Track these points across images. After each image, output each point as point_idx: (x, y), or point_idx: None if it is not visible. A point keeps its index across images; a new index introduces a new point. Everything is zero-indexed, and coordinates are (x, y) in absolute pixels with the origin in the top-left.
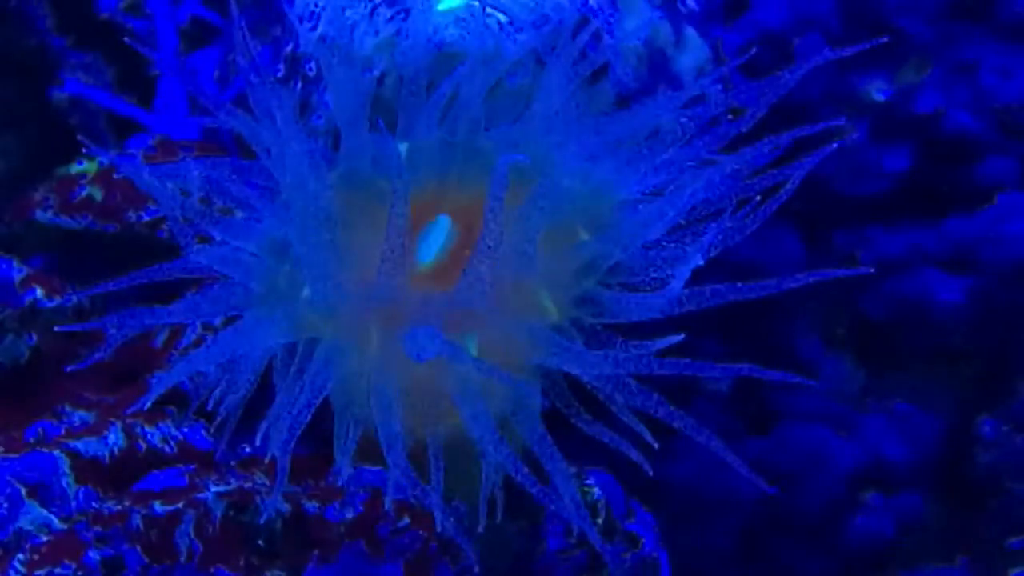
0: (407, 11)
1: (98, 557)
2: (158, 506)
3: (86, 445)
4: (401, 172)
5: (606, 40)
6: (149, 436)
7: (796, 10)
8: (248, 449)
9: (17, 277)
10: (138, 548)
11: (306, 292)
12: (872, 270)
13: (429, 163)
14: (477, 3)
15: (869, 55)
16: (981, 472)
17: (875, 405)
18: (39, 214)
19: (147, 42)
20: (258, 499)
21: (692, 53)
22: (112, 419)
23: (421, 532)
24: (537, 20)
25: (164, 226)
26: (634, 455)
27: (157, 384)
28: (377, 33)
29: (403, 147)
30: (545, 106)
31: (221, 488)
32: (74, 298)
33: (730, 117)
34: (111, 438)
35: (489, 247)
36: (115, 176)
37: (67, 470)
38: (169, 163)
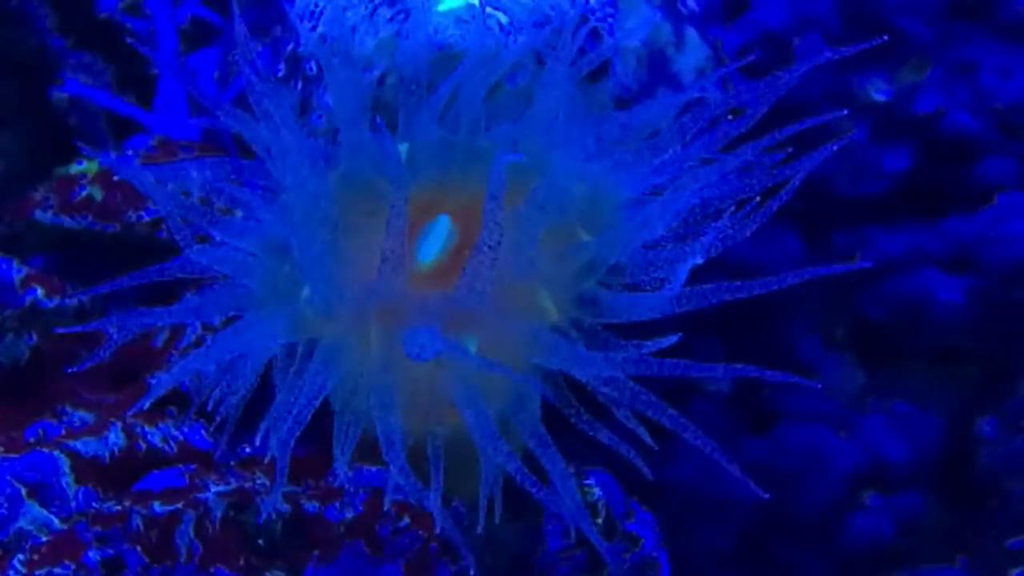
0: (407, 11)
1: (98, 557)
2: (158, 506)
3: (86, 445)
4: (401, 172)
5: (606, 40)
6: (149, 436)
7: (796, 10)
8: (248, 449)
9: (17, 277)
10: (138, 548)
11: (306, 292)
12: (869, 264)
13: (429, 163)
14: (477, 4)
15: (869, 55)
16: (981, 472)
17: (875, 405)
18: (39, 214)
19: (147, 42)
20: (258, 499)
21: (692, 53)
22: (112, 419)
23: (421, 532)
24: (537, 20)
25: (164, 226)
26: (634, 457)
27: (157, 385)
28: (377, 33)
29: (403, 147)
30: (545, 106)
31: (221, 488)
32: (74, 298)
33: (730, 117)
34: (111, 438)
35: (489, 247)
36: (115, 176)
37: (67, 470)
38: (169, 163)
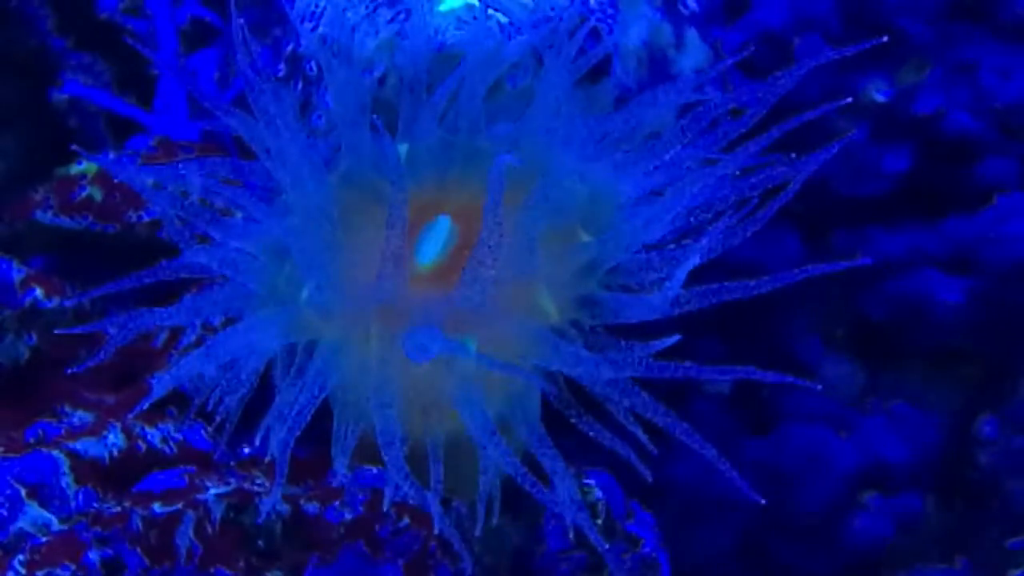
0: (408, 12)
1: (98, 558)
2: (158, 507)
3: (86, 446)
4: (400, 173)
5: (606, 41)
6: (149, 437)
7: (796, 11)
8: (248, 450)
9: (17, 277)
10: (138, 549)
11: (306, 293)
12: (869, 260)
13: (429, 163)
14: (478, 4)
15: (869, 55)
16: (981, 473)
17: (875, 405)
18: (39, 214)
19: (147, 43)
20: (258, 500)
21: (693, 54)
22: (112, 420)
23: (421, 533)
24: (537, 21)
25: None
26: (634, 460)
27: (157, 386)
28: (378, 34)
29: (403, 148)
30: (545, 106)
31: (221, 489)
32: (74, 300)
33: (730, 118)
34: (111, 439)
35: (488, 248)
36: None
37: (67, 471)
38: (168, 164)
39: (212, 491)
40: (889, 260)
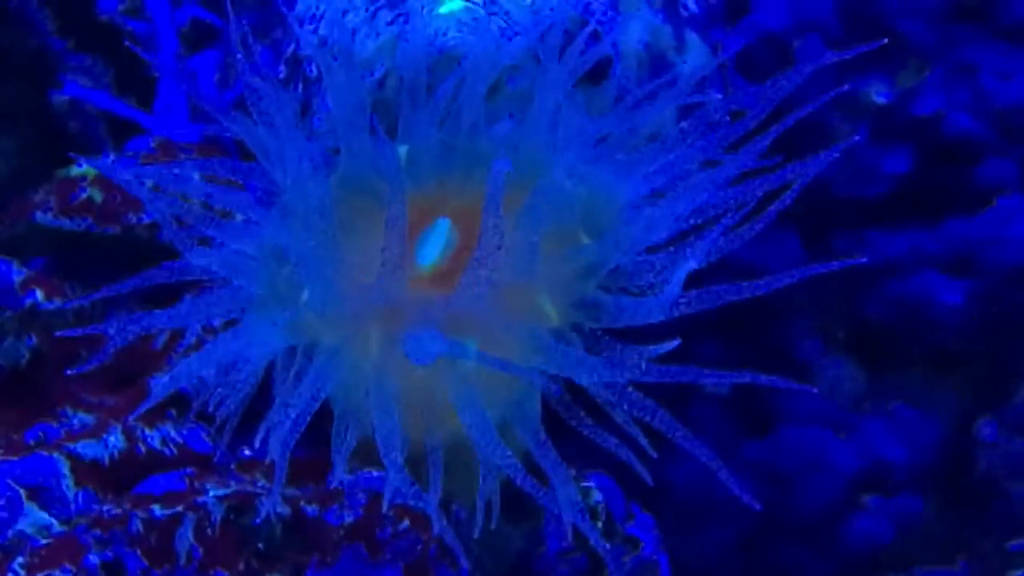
0: (408, 14)
1: (98, 560)
2: (158, 509)
3: (86, 447)
4: (399, 176)
5: (606, 43)
6: (149, 438)
7: (796, 13)
8: (248, 451)
9: (17, 279)
10: (138, 551)
11: (306, 295)
12: (865, 260)
13: (429, 166)
14: (479, 6)
15: (869, 57)
16: (981, 474)
17: (875, 407)
18: (39, 216)
19: (147, 44)
20: (258, 502)
21: (693, 56)
22: (112, 421)
23: (421, 535)
24: (538, 23)
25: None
26: (634, 462)
27: (157, 389)
28: (378, 36)
29: (403, 150)
30: (544, 108)
31: (221, 491)
32: (74, 302)
33: (731, 120)
34: (111, 440)
35: (488, 251)
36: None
37: (67, 472)
38: (168, 165)
39: (212, 493)
40: (889, 262)
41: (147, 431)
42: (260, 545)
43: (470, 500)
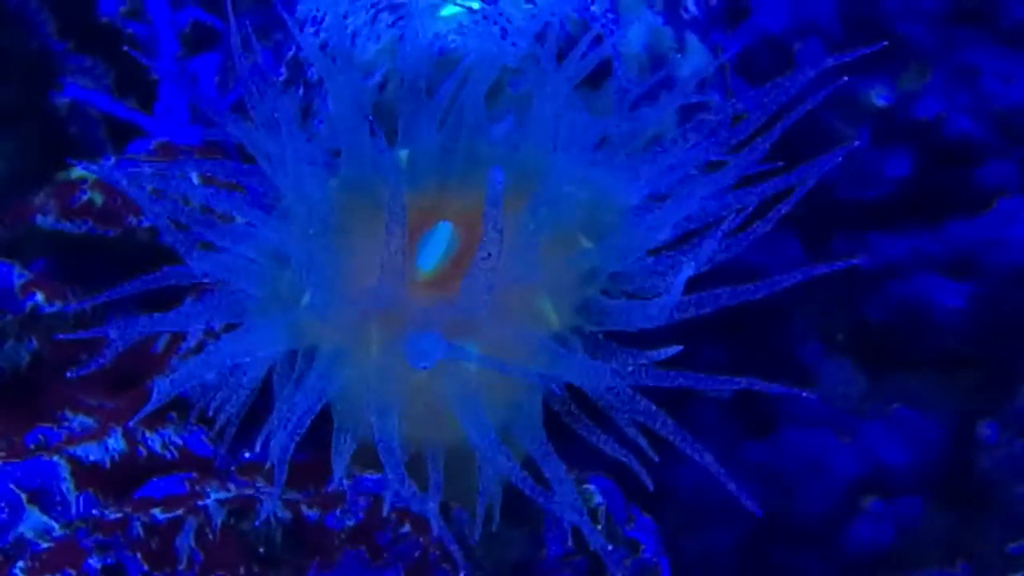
0: (409, 17)
1: (99, 565)
2: (159, 513)
3: (86, 451)
4: (398, 179)
5: (607, 45)
6: (149, 442)
7: (797, 15)
8: (248, 455)
9: (18, 282)
10: (138, 556)
11: (307, 299)
12: (863, 260)
13: (430, 168)
14: (479, 9)
15: (870, 60)
16: (982, 477)
17: (876, 410)
18: (39, 219)
19: (147, 47)
20: (259, 506)
21: (694, 59)
22: (112, 424)
23: (421, 539)
24: (538, 26)
25: None
26: (635, 466)
27: (158, 393)
28: (379, 39)
29: (404, 153)
30: (545, 111)
31: (222, 495)
32: (75, 305)
33: (732, 124)
34: (111, 444)
35: (489, 255)
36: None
37: (67, 476)
38: (169, 167)
39: (213, 497)
40: (890, 264)
41: (148, 434)
42: (261, 549)
43: (471, 504)
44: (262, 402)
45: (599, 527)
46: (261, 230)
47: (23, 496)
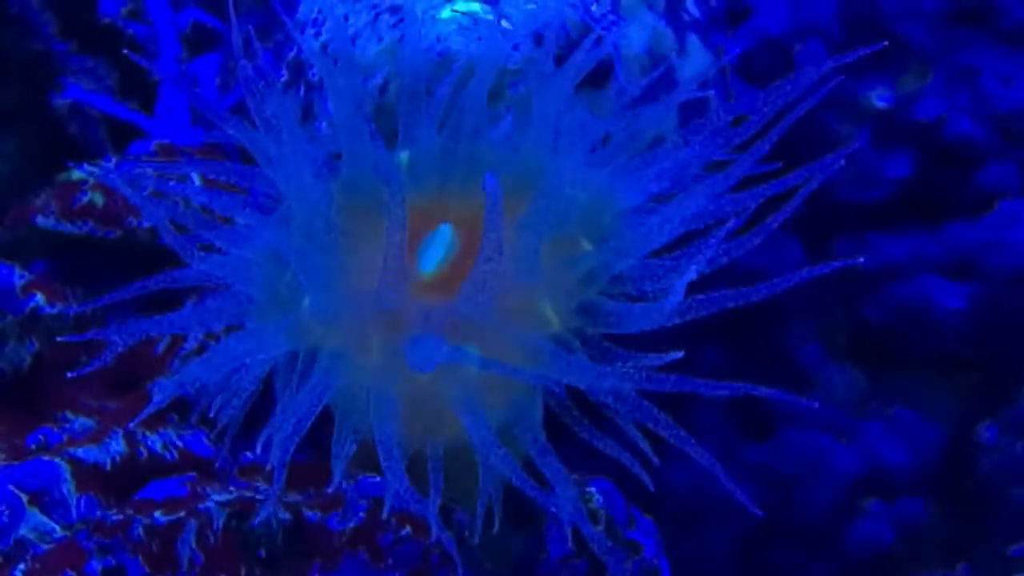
0: (410, 18)
1: (99, 567)
2: (159, 515)
3: (87, 452)
4: (399, 182)
5: (608, 47)
6: (150, 443)
7: (798, 17)
8: (250, 456)
9: (19, 283)
10: (140, 558)
11: (307, 301)
12: (862, 260)
13: (431, 171)
14: (480, 10)
15: (871, 61)
16: (982, 479)
17: (876, 411)
18: (40, 219)
19: (148, 48)
20: (259, 508)
21: (695, 60)
22: (113, 426)
23: (423, 542)
24: (539, 28)
25: None
26: (636, 470)
27: (159, 395)
28: (380, 40)
29: (405, 155)
30: (545, 113)
31: (223, 497)
32: (76, 308)
33: (732, 127)
34: (112, 445)
35: (490, 259)
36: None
37: (68, 477)
38: (170, 169)
39: (214, 499)
40: (890, 266)
41: (148, 436)
42: (262, 551)
43: (472, 506)
44: (263, 403)
45: (600, 529)
46: (262, 232)
47: (24, 498)
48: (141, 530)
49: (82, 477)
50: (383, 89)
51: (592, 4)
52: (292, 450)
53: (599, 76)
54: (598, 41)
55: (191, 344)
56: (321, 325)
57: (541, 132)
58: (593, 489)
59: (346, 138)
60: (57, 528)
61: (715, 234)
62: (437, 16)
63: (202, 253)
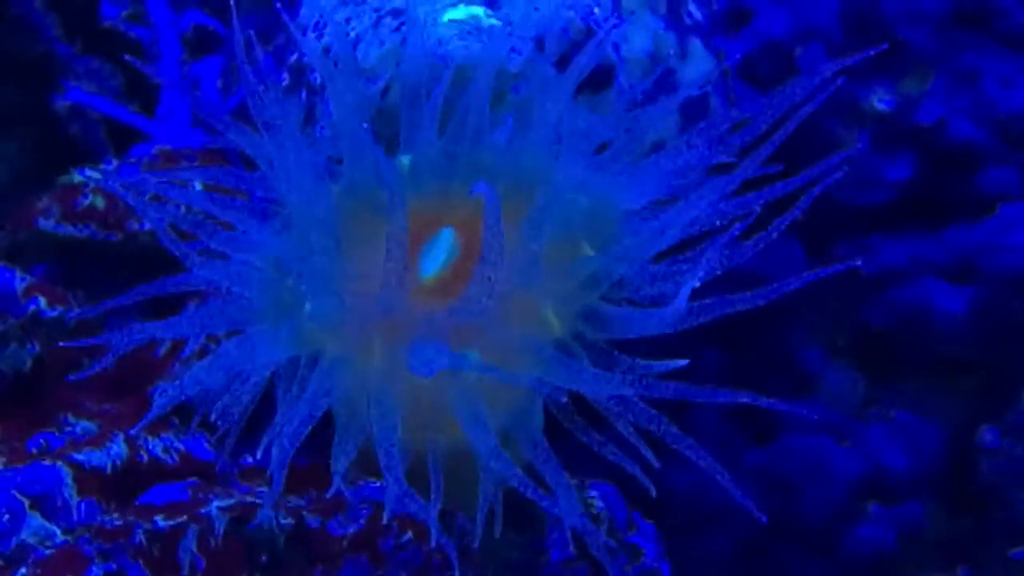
0: (412, 22)
1: (101, 572)
2: (161, 520)
3: (88, 456)
4: (400, 187)
5: (610, 51)
6: (151, 447)
7: (799, 20)
8: (251, 460)
9: (20, 286)
10: (141, 563)
11: (309, 306)
12: (860, 262)
13: (432, 175)
14: (482, 14)
15: (872, 64)
16: (983, 482)
17: (877, 414)
18: (42, 222)
19: (150, 51)
20: (259, 511)
21: (697, 64)
22: (115, 430)
23: (424, 546)
24: (541, 32)
25: None
26: (637, 472)
27: (161, 400)
28: (382, 44)
29: (406, 159)
30: (547, 117)
31: (224, 502)
32: (77, 312)
33: (734, 131)
34: (113, 449)
35: (491, 263)
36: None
37: (70, 482)
38: (171, 173)
39: (215, 503)
40: (891, 269)
41: (150, 439)
42: (263, 556)
43: (472, 510)
44: (265, 408)
45: (601, 533)
46: (263, 237)
47: (25, 502)
48: (142, 535)
49: (83, 481)
50: (385, 93)
51: (594, 7)
52: (291, 454)
53: (601, 80)
54: (600, 44)
55: (192, 347)
56: (322, 330)
57: (542, 136)
58: (594, 493)
59: (347, 142)
60: (58, 532)
61: (717, 240)
62: (439, 20)
63: (203, 258)
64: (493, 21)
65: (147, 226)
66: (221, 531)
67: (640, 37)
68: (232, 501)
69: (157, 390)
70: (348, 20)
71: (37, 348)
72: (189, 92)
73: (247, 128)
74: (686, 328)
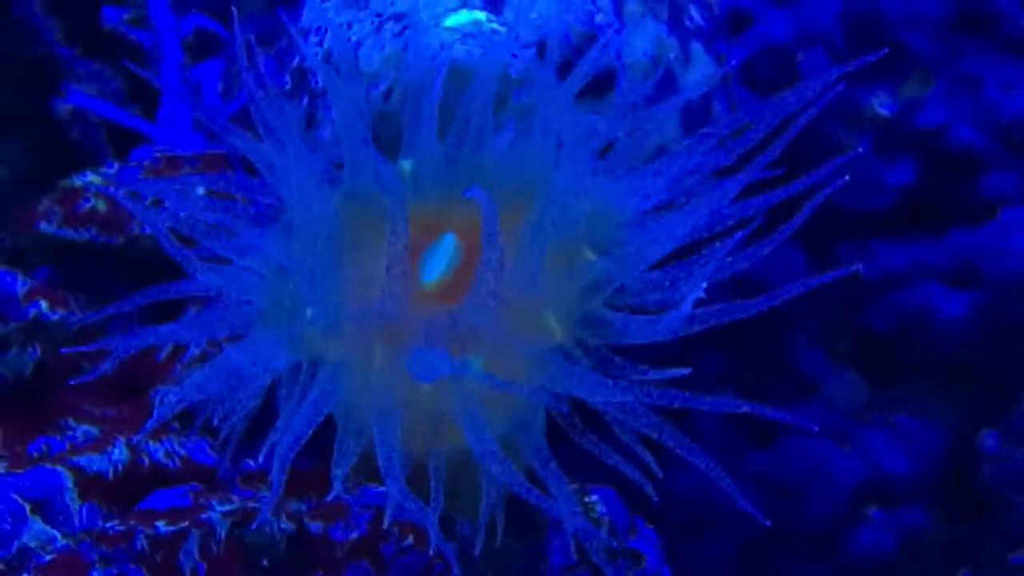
0: (414, 26)
1: None
2: (162, 525)
3: (90, 461)
4: (400, 193)
5: (612, 55)
6: (153, 451)
7: (801, 25)
8: (252, 464)
9: (21, 290)
10: (142, 568)
11: (310, 311)
12: (861, 266)
13: (434, 179)
14: (484, 19)
15: (873, 69)
16: (984, 486)
17: (878, 419)
18: (43, 226)
19: (151, 54)
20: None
21: (699, 68)
22: (116, 434)
23: (425, 552)
24: (543, 36)
25: None
26: (638, 477)
27: (162, 407)
28: (384, 48)
29: (408, 164)
30: (549, 122)
31: (225, 507)
32: (79, 316)
33: (735, 137)
34: (115, 454)
35: (492, 269)
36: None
37: (71, 486)
38: (172, 179)
39: (217, 508)
40: (893, 273)
41: (151, 444)
42: (265, 561)
43: (474, 515)
44: (266, 412)
45: (602, 537)
46: (264, 242)
47: (26, 506)
48: (144, 540)
49: (85, 486)
50: (386, 97)
51: (596, 12)
52: (291, 459)
53: (602, 84)
54: (601, 49)
55: (193, 351)
56: (323, 335)
57: (544, 141)
58: (595, 497)
59: (348, 147)
60: (59, 537)
61: (720, 247)
62: (441, 24)
63: (204, 264)
64: (495, 26)
65: (148, 230)
66: (223, 536)
67: (641, 41)
68: (234, 506)
69: (158, 395)
70: (350, 24)
71: (39, 352)
72: (190, 96)
73: (248, 133)
74: (687, 334)
